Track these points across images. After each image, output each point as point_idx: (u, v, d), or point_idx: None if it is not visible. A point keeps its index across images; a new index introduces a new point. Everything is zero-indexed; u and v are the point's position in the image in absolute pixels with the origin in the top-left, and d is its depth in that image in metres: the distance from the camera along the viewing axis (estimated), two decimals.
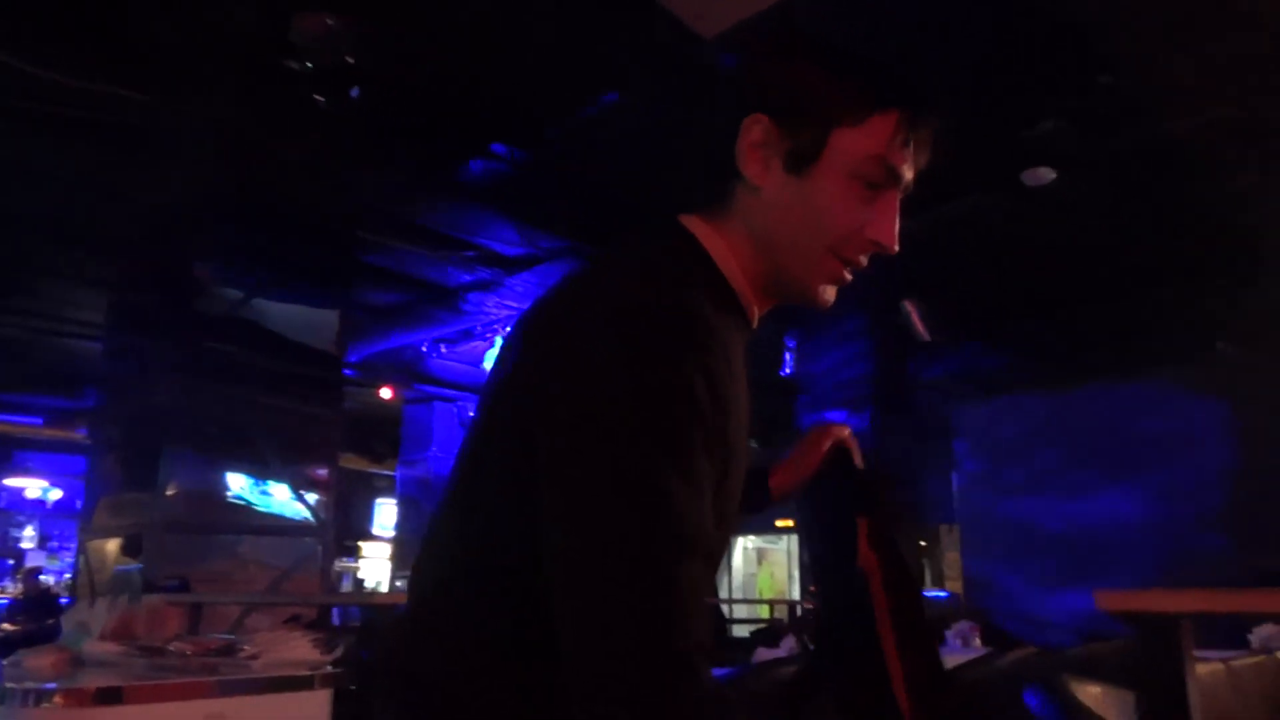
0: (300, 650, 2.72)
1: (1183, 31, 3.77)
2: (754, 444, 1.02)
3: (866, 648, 1.00)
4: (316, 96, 4.16)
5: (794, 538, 11.97)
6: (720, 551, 0.91)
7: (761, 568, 13.34)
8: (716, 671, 0.79)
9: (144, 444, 6.47)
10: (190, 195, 5.49)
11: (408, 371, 8.99)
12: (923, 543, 9.26)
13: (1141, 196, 5.28)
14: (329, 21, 3.82)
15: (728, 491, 0.87)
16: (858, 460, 1.14)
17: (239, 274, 6.65)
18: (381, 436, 11.30)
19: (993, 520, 8.03)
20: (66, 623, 2.86)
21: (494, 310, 7.35)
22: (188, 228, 5.98)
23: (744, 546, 13.12)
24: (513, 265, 6.53)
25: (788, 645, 4.47)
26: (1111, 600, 1.72)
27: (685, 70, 3.89)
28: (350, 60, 4.02)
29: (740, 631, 7.54)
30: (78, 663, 2.53)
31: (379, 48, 4.05)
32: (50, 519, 12.68)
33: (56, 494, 12.56)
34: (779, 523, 11.25)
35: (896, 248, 0.95)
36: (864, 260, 0.97)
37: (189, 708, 2.24)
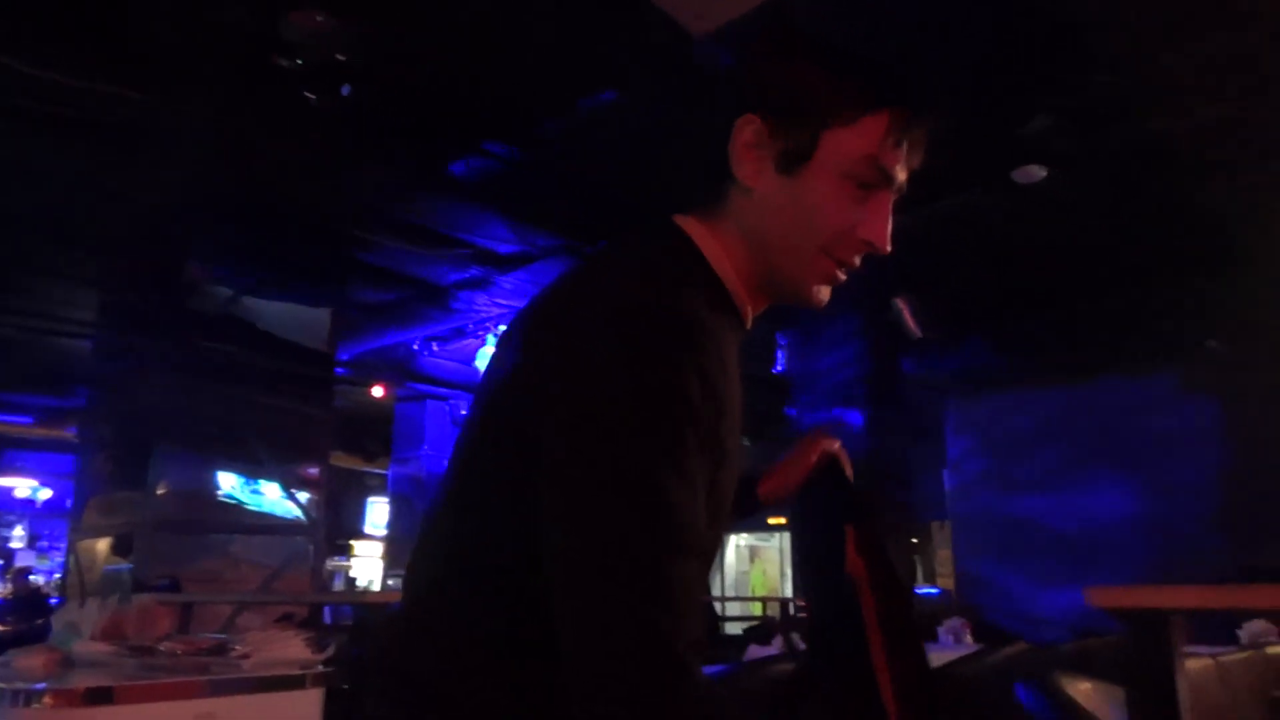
0: (292, 649, 2.72)
1: (1174, 30, 3.79)
2: (745, 441, 1.03)
3: (856, 652, 1.01)
4: (308, 94, 4.15)
5: (786, 535, 12.00)
6: (713, 550, 0.92)
7: (754, 565, 13.37)
8: (710, 669, 0.80)
9: (134, 443, 6.45)
10: (182, 194, 5.47)
11: (400, 369, 8.98)
12: (914, 540, 9.29)
13: (1132, 195, 5.30)
14: (320, 19, 3.81)
15: (721, 490, 0.88)
16: (848, 472, 1.16)
17: (230, 272, 6.63)
18: (373, 435, 11.28)
19: (984, 517, 8.06)
20: (56, 623, 2.85)
21: (486, 308, 7.34)
22: (179, 226, 5.96)
23: (737, 544, 13.15)
24: (506, 263, 6.52)
25: (780, 642, 4.48)
26: (1102, 596, 1.72)
27: (678, 68, 3.89)
28: (341, 58, 4.01)
29: (733, 629, 7.55)
30: (68, 663, 2.51)
31: (370, 46, 4.04)
32: (40, 518, 12.63)
33: (46, 493, 12.51)
34: (771, 520, 11.27)
35: (889, 248, 0.95)
36: (857, 261, 0.97)
37: (180, 708, 2.23)
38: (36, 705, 2.08)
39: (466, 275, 6.76)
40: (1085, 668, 2.42)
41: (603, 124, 4.59)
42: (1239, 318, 6.54)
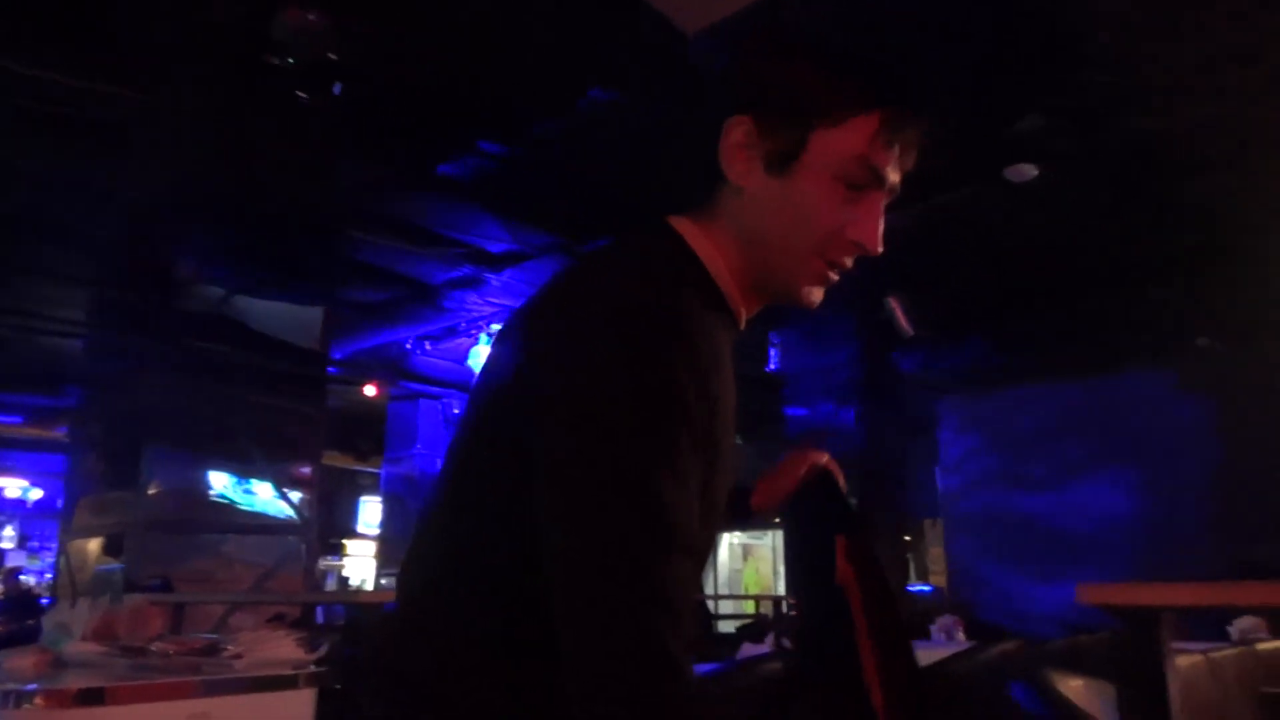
0: (284, 649, 2.71)
1: (1166, 28, 3.80)
2: (739, 439, 1.04)
3: (846, 656, 1.02)
4: (300, 93, 4.14)
5: (779, 533, 12.02)
6: (707, 550, 0.92)
7: (747, 563, 13.39)
8: (703, 667, 0.80)
9: (125, 442, 6.43)
10: (173, 192, 5.45)
11: (392, 368, 8.96)
12: (907, 537, 9.31)
13: (1125, 193, 5.31)
14: (312, 17, 3.80)
15: (714, 491, 0.88)
16: (841, 483, 1.18)
17: (222, 271, 6.61)
18: (366, 434, 11.25)
19: (977, 514, 8.07)
20: (47, 623, 2.83)
21: (479, 307, 7.33)
22: (170, 225, 5.93)
23: (730, 542, 13.16)
24: (498, 262, 6.52)
25: (772, 641, 4.48)
26: (1093, 594, 1.73)
27: (672, 66, 3.89)
28: (333, 57, 4.00)
29: (726, 627, 7.57)
30: (59, 664, 2.50)
31: (363, 44, 4.03)
32: (30, 519, 12.57)
33: (37, 493, 12.45)
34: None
35: (880, 249, 0.95)
36: (849, 262, 0.97)
37: (172, 708, 2.23)
38: (28, 706, 2.07)
39: (459, 274, 6.76)
40: (1077, 664, 2.43)
41: (596, 122, 4.59)
42: (1232, 316, 6.57)
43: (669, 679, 0.74)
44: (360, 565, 14.06)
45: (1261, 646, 3.51)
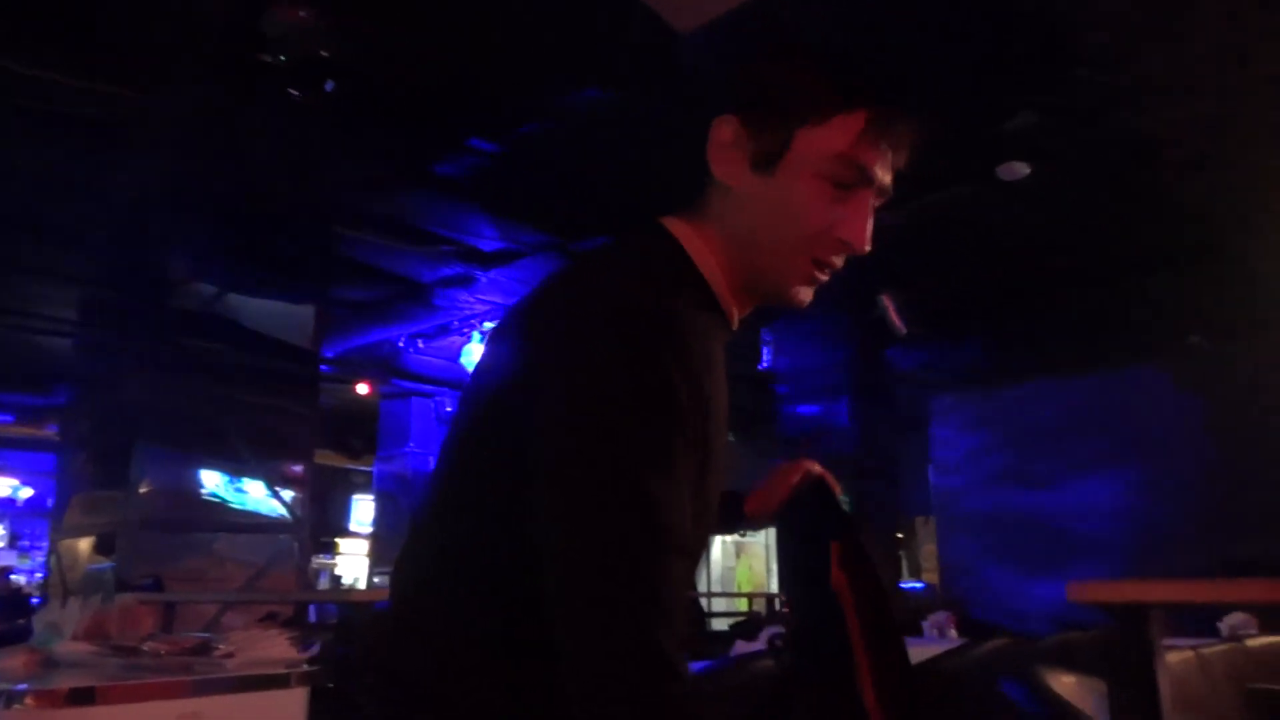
0: (276, 648, 2.71)
1: (1157, 27, 3.81)
2: (731, 438, 1.04)
3: (840, 658, 1.03)
4: (291, 91, 4.12)
5: (772, 530, 12.01)
6: (699, 550, 0.92)
7: (740, 561, 13.40)
8: (697, 665, 0.81)
9: (116, 441, 6.40)
10: (164, 190, 5.42)
11: (384, 367, 8.95)
12: (900, 535, 9.34)
13: (1116, 191, 5.33)
14: (303, 14, 3.78)
15: (707, 492, 0.89)
16: (835, 490, 1.19)
17: (213, 269, 6.58)
18: (358, 432, 11.23)
19: (970, 512, 8.10)
20: (38, 623, 2.82)
21: (471, 305, 7.32)
22: (161, 223, 5.91)
23: (722, 540, 13.17)
24: (490, 260, 6.51)
25: (765, 638, 4.49)
26: (1083, 591, 1.74)
27: (663, 65, 3.88)
28: (325, 54, 3.98)
29: (719, 624, 7.57)
30: (50, 663, 2.49)
31: (354, 42, 4.01)
32: (21, 518, 12.51)
33: (27, 492, 12.39)
34: None
35: (868, 248, 0.95)
36: (838, 261, 0.97)
37: (163, 707, 2.22)
38: (18, 706, 2.06)
39: (451, 272, 6.75)
40: (1067, 661, 2.44)
41: (588, 120, 4.59)
42: (1222, 314, 6.60)
43: (669, 679, 0.75)
44: (353, 564, 14.03)
45: (1251, 643, 3.53)
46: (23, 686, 2.15)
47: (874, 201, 0.96)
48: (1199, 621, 3.97)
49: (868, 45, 3.49)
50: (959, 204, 5.33)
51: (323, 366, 7.81)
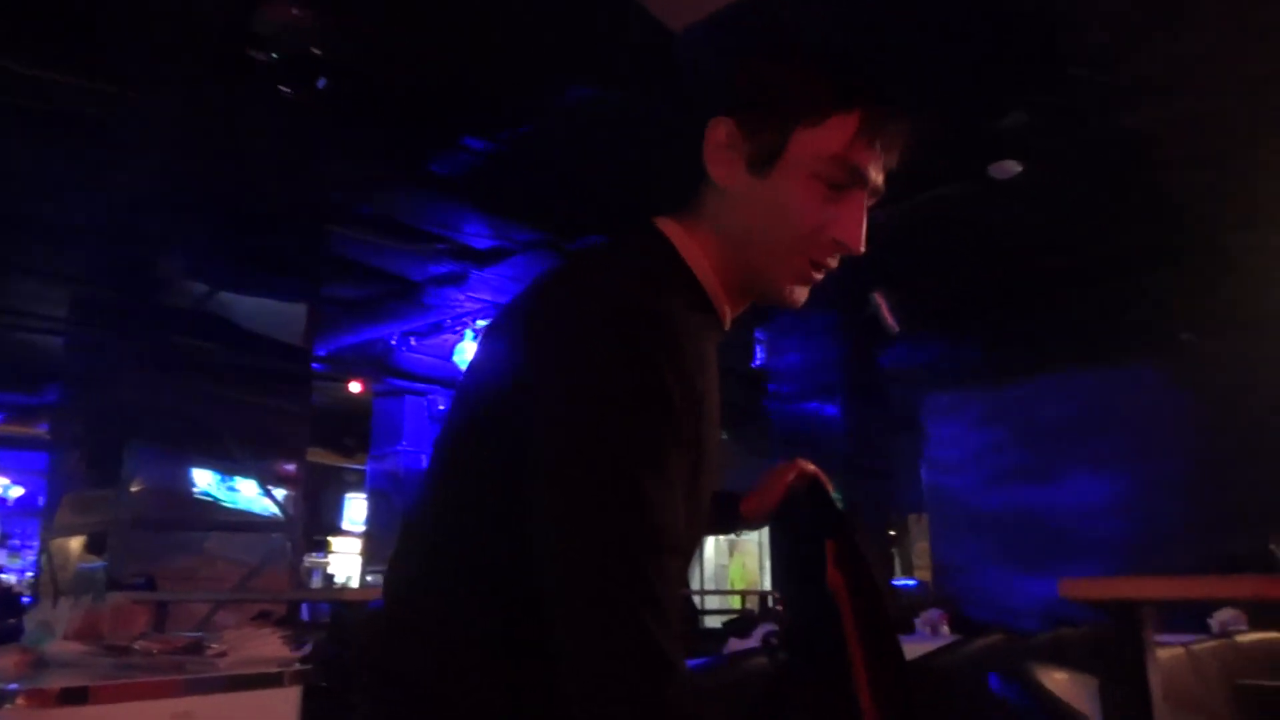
0: (269, 647, 2.70)
1: (1149, 26, 3.83)
2: (725, 435, 1.05)
3: (836, 656, 1.04)
4: (283, 88, 4.11)
5: (765, 529, 12.05)
6: (692, 550, 0.93)
7: (733, 559, 13.42)
8: (690, 662, 0.81)
9: (107, 440, 6.38)
10: (155, 188, 5.40)
11: (377, 365, 8.93)
12: (893, 532, 9.36)
13: (1108, 189, 5.35)
14: (295, 12, 3.77)
15: (700, 491, 0.89)
16: (830, 491, 1.20)
17: (205, 267, 6.56)
18: (351, 430, 11.21)
19: (961, 509, 8.12)
20: (29, 622, 2.80)
21: (464, 303, 7.31)
22: (152, 221, 5.89)
23: (716, 538, 13.19)
24: (484, 258, 6.50)
25: (759, 636, 4.49)
26: (1075, 588, 1.75)
27: (657, 63, 3.88)
28: (317, 52, 3.97)
29: (712, 622, 7.59)
30: (41, 663, 2.48)
31: (346, 39, 4.00)
32: (11, 517, 12.45)
33: (18, 491, 12.34)
34: None
35: (862, 249, 0.95)
36: (832, 261, 0.97)
37: (156, 707, 2.21)
38: (9, 706, 2.05)
39: (443, 270, 6.74)
40: (1059, 658, 2.45)
41: (582, 119, 4.58)
42: (1214, 312, 6.64)
43: (668, 679, 0.75)
44: (345, 562, 14.01)
45: (1241, 639, 3.55)
46: (14, 686, 2.14)
47: (867, 201, 0.96)
48: (1190, 618, 4.00)
49: (861, 44, 3.49)
50: (951, 202, 5.34)
51: (315, 365, 7.79)
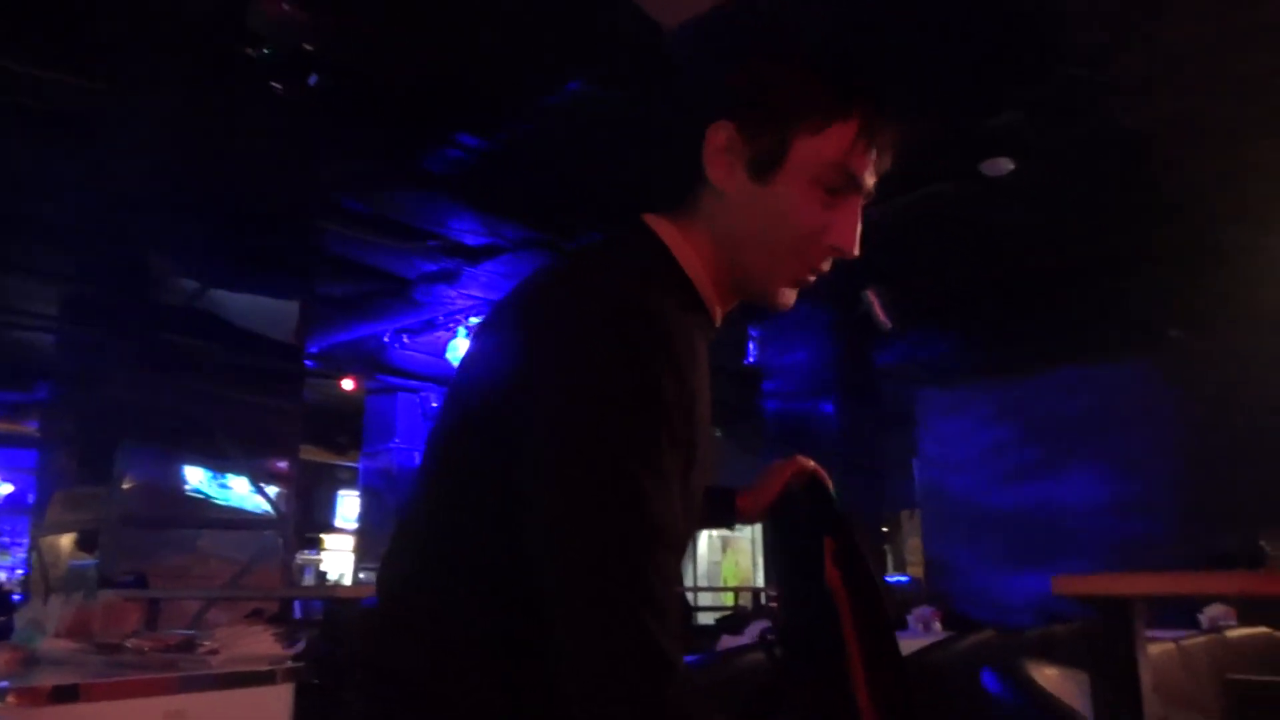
0: (261, 645, 2.69)
1: (1141, 23, 3.84)
2: (717, 432, 1.05)
3: (833, 653, 1.04)
4: (275, 84, 4.09)
5: (758, 526, 12.07)
6: (684, 547, 0.93)
7: (726, 555, 13.44)
8: (684, 659, 0.82)
9: (98, 437, 6.35)
10: (146, 185, 5.38)
11: (369, 362, 8.91)
12: (885, 529, 9.38)
13: (1099, 187, 5.36)
14: (287, 7, 3.75)
15: (692, 489, 0.89)
16: (829, 488, 1.20)
17: (196, 265, 6.54)
18: (343, 428, 11.19)
19: (954, 506, 8.15)
20: (19, 620, 2.80)
21: (456, 300, 7.31)
22: (143, 218, 5.86)
23: (709, 534, 13.21)
24: (476, 255, 6.49)
25: (752, 633, 4.50)
26: (1066, 585, 1.76)
27: (649, 61, 3.88)
28: (309, 48, 3.95)
29: (705, 619, 7.60)
30: (32, 661, 2.47)
31: (338, 35, 3.99)
32: (1, 514, 12.40)
33: (7, 488, 12.28)
34: None
35: (857, 253, 0.96)
36: (825, 265, 0.98)
37: (148, 705, 2.21)
38: (0, 704, 2.05)
39: (436, 267, 6.73)
40: (1051, 653, 2.47)
41: (574, 116, 4.58)
42: (1203, 309, 6.67)
43: (668, 679, 0.75)
44: (338, 560, 13.98)
45: (1230, 634, 3.58)
46: (4, 684, 2.13)
47: (861, 205, 0.97)
48: (1180, 613, 4.02)
49: (855, 44, 3.49)
50: (943, 200, 5.35)
51: (307, 362, 7.77)
